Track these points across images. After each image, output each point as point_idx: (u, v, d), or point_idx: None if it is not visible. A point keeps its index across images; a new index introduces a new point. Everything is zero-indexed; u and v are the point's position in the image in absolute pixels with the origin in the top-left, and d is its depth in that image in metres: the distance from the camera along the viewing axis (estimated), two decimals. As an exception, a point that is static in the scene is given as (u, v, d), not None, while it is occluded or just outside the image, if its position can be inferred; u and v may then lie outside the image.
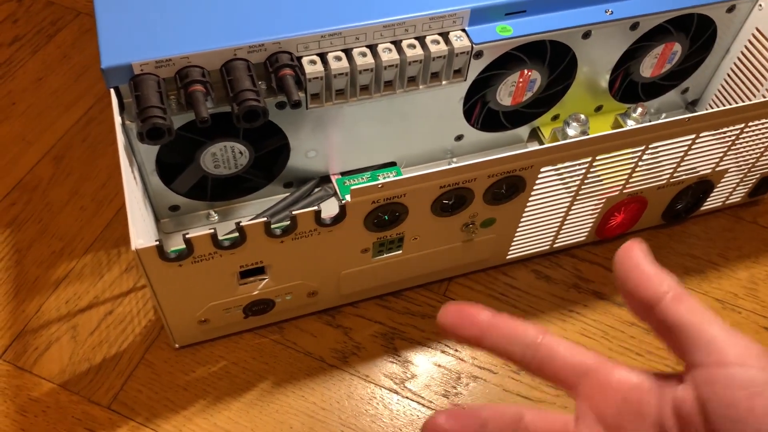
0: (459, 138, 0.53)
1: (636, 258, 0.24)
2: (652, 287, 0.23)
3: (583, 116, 0.53)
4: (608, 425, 0.24)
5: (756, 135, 0.48)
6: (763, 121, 0.46)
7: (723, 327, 0.22)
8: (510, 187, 0.42)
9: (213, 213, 0.51)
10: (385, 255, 0.44)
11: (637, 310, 0.24)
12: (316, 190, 0.52)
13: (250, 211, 0.51)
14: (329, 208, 0.51)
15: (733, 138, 0.46)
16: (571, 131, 0.53)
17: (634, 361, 0.47)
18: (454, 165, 0.39)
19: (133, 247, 0.35)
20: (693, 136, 0.44)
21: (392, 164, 0.54)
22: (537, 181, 0.43)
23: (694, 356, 0.22)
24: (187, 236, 0.36)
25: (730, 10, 0.51)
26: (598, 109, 0.56)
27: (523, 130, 0.55)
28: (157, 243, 0.36)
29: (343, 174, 0.52)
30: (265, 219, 0.37)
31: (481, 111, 0.52)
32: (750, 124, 0.45)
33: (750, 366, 0.22)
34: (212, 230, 0.37)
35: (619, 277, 0.24)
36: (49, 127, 0.57)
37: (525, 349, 0.25)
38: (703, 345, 0.22)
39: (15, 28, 0.64)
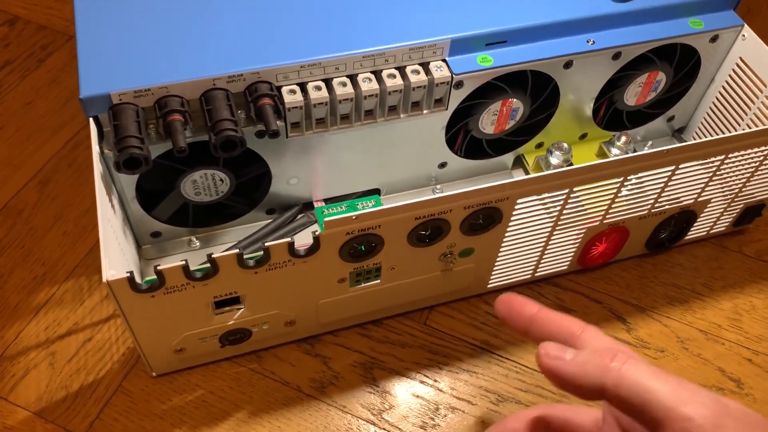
0: (443, 165, 0.53)
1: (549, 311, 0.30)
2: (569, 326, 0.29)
3: (566, 145, 0.53)
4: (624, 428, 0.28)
5: (738, 165, 0.48)
6: (745, 152, 0.46)
7: (669, 385, 0.26)
8: (487, 218, 0.42)
9: (195, 239, 0.51)
10: (362, 285, 0.44)
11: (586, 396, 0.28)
12: (299, 216, 0.52)
13: (232, 237, 0.52)
14: (310, 236, 0.51)
15: (714, 169, 0.46)
16: (554, 160, 0.53)
17: (615, 392, 0.46)
18: (432, 196, 0.39)
19: (104, 279, 0.35)
20: (672, 167, 0.44)
21: (376, 191, 0.54)
22: (514, 212, 0.43)
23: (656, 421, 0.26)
24: (158, 268, 0.36)
25: (714, 39, 0.51)
26: (583, 136, 0.56)
27: (508, 157, 0.55)
28: (128, 275, 0.36)
29: (326, 201, 0.52)
30: (238, 251, 0.37)
31: (464, 139, 0.52)
32: (731, 155, 0.45)
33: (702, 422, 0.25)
34: (183, 262, 0.37)
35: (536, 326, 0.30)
36: (36, 151, 0.57)
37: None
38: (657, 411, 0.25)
39: (6, 52, 0.64)
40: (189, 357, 0.44)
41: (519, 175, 0.56)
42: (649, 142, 0.59)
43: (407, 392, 0.46)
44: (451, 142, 0.51)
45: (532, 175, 0.40)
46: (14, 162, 0.56)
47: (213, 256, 0.37)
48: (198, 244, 0.51)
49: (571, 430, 0.32)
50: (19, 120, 0.59)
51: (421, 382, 0.46)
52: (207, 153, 0.43)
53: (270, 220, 0.52)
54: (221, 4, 0.46)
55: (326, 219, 0.38)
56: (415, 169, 0.53)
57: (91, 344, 0.47)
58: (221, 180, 0.47)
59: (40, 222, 0.53)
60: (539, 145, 0.55)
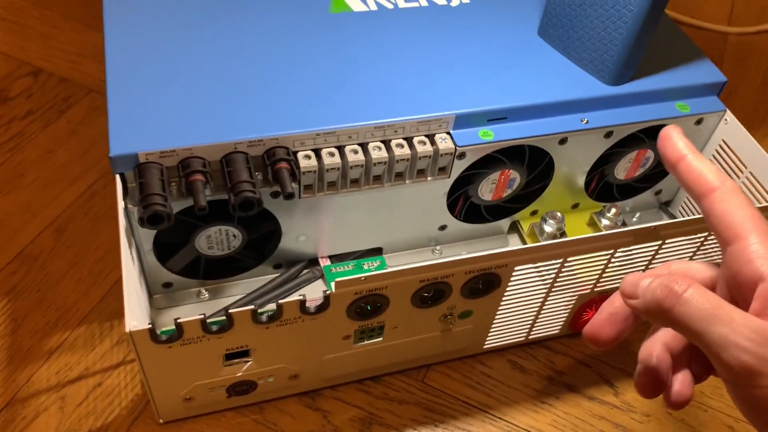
0: (443, 228, 0.56)
1: (693, 161, 0.35)
2: (702, 184, 0.34)
3: (559, 214, 0.56)
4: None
5: (720, 241, 0.51)
6: (726, 229, 0.49)
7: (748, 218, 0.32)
8: (486, 283, 0.45)
9: (204, 291, 0.53)
10: (366, 342, 0.47)
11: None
12: (304, 272, 0.55)
13: (239, 290, 0.54)
14: (316, 291, 0.54)
15: (699, 243, 0.49)
16: (547, 228, 0.56)
17: (603, 454, 0.48)
18: (435, 260, 0.42)
19: (127, 329, 0.37)
20: (660, 242, 0.47)
21: (378, 249, 0.56)
22: (512, 279, 0.45)
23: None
24: (178, 320, 0.39)
25: (698, 122, 0.55)
26: (575, 206, 0.59)
27: (504, 223, 0.58)
28: (150, 326, 0.38)
29: (330, 257, 0.55)
30: (252, 306, 0.40)
31: (463, 204, 0.55)
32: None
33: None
34: (202, 315, 0.39)
35: (676, 173, 0.36)
36: (54, 199, 0.60)
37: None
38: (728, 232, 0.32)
39: (29, 102, 0.67)
40: (196, 405, 0.46)
41: (514, 240, 0.59)
42: (638, 214, 0.62)
43: (404, 448, 0.48)
44: (451, 207, 0.55)
45: (531, 245, 0.43)
46: (32, 209, 0.59)
47: (230, 310, 0.39)
48: (207, 295, 0.53)
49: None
50: (38, 168, 0.62)
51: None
52: (223, 210, 0.46)
53: (277, 275, 0.54)
54: (246, 71, 0.49)
55: (337, 279, 0.40)
56: (417, 231, 0.56)
57: (100, 389, 0.49)
58: (234, 236, 0.50)
59: (55, 268, 0.55)
60: (534, 212, 0.58)
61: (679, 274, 0.35)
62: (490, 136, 0.50)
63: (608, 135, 0.53)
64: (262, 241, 0.52)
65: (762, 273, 0.31)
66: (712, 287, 0.36)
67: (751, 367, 0.29)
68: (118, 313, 0.53)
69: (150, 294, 0.52)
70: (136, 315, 0.40)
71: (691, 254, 0.50)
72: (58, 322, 0.52)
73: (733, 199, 0.34)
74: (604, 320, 0.38)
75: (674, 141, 0.37)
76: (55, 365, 0.50)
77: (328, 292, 0.41)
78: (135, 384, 0.49)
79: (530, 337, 0.53)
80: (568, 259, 0.46)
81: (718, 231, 0.34)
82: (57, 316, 0.52)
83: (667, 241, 0.48)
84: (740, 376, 0.30)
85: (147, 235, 0.48)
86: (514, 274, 0.45)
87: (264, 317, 0.41)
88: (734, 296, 0.34)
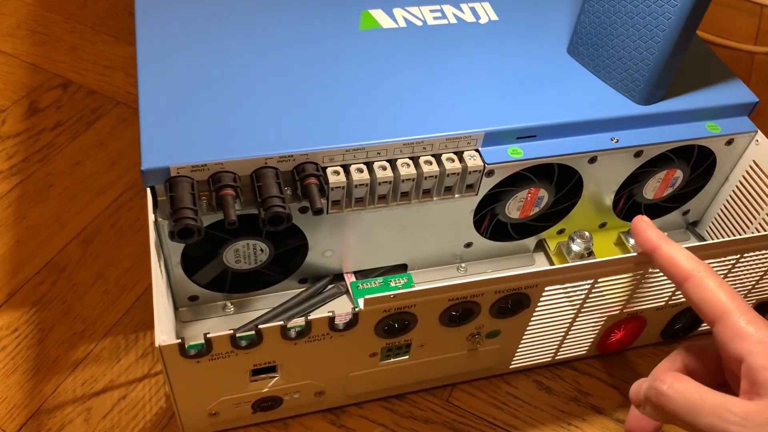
0: (468, 245, 0.56)
1: (665, 250, 0.40)
2: (678, 272, 0.39)
3: (587, 233, 0.56)
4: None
5: (752, 264, 0.51)
6: (759, 252, 0.49)
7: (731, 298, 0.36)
8: (515, 303, 0.45)
9: (229, 304, 0.53)
10: (392, 359, 0.46)
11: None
12: (330, 287, 0.55)
13: (264, 304, 0.54)
14: (340, 306, 0.53)
15: (730, 267, 0.49)
16: (575, 247, 0.55)
17: (631, 479, 0.47)
18: (464, 278, 0.41)
19: (156, 344, 0.37)
20: (691, 263, 0.47)
21: (403, 266, 0.56)
22: (541, 299, 0.45)
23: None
24: (207, 336, 0.39)
25: (729, 143, 0.54)
26: (603, 225, 0.58)
27: (530, 241, 0.58)
28: (180, 341, 0.38)
29: (355, 273, 0.55)
30: (282, 323, 0.40)
31: (490, 222, 0.54)
32: (745, 255, 0.48)
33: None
34: (231, 331, 0.39)
35: (653, 262, 0.41)
36: (81, 210, 0.60)
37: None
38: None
39: (58, 114, 0.68)
40: (221, 421, 0.46)
41: (540, 258, 0.59)
42: (665, 234, 0.62)
43: (428, 467, 0.47)
44: (477, 224, 0.54)
45: (561, 265, 0.43)
46: (60, 220, 0.59)
47: (259, 326, 0.39)
48: (232, 309, 0.53)
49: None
50: (67, 179, 0.62)
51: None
52: (252, 225, 0.46)
53: (302, 289, 0.54)
54: (276, 87, 0.49)
55: (366, 296, 0.40)
56: (442, 248, 0.56)
57: (125, 402, 0.48)
58: (261, 250, 0.50)
59: (82, 279, 0.55)
60: (561, 231, 0.58)
61: (662, 370, 0.38)
62: (519, 154, 0.49)
63: (638, 154, 0.52)
64: (288, 255, 0.52)
65: (741, 352, 0.34)
66: (711, 366, 0.39)
67: None
68: (144, 325, 0.53)
69: (176, 307, 0.52)
70: (165, 329, 0.40)
71: (723, 276, 0.49)
72: (84, 334, 0.52)
73: (710, 282, 0.37)
74: (638, 417, 0.40)
75: (647, 233, 0.42)
76: (81, 377, 0.50)
77: (357, 309, 0.41)
78: (159, 397, 0.49)
79: (557, 357, 0.52)
80: (599, 280, 0.45)
81: (702, 313, 0.37)
82: (83, 327, 0.52)
83: (698, 263, 0.47)
84: None
85: (175, 249, 0.48)
86: (543, 294, 0.45)
87: (293, 333, 0.41)
88: (732, 371, 0.36)
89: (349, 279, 0.54)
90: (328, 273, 0.55)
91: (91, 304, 0.54)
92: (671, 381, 0.34)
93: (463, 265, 0.58)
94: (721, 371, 0.39)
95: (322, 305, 0.54)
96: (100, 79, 0.72)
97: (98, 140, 0.66)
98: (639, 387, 0.37)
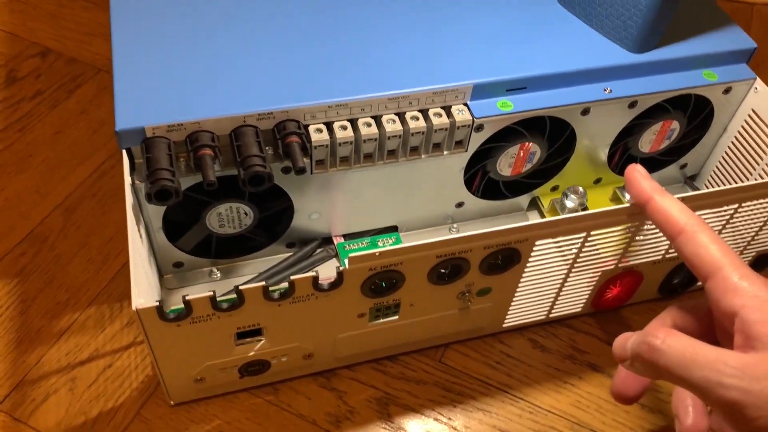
0: (460, 205, 0.55)
1: (659, 202, 0.39)
2: (673, 226, 0.38)
3: (581, 189, 0.54)
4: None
5: (751, 214, 0.49)
6: (758, 201, 0.47)
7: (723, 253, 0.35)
8: (506, 259, 0.43)
9: (216, 270, 0.52)
10: (381, 320, 0.45)
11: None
12: (318, 251, 0.53)
13: (252, 270, 0.52)
14: (330, 270, 0.52)
15: (728, 217, 0.47)
16: (569, 203, 0.54)
17: (628, 436, 0.47)
18: (452, 235, 0.40)
19: (133, 307, 0.36)
20: (687, 214, 0.45)
21: (393, 228, 0.55)
22: (532, 254, 0.44)
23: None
24: (186, 298, 0.37)
25: (727, 91, 0.53)
26: (597, 181, 0.57)
27: (523, 199, 0.56)
28: (157, 303, 0.37)
29: (345, 236, 0.54)
30: (263, 283, 0.38)
31: (481, 180, 0.53)
32: (744, 204, 0.46)
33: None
34: (211, 292, 0.38)
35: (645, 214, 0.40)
36: (63, 180, 0.59)
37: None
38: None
39: (38, 82, 0.66)
40: (208, 387, 0.45)
41: (534, 217, 0.57)
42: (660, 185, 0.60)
43: (421, 429, 0.46)
44: (468, 183, 0.53)
45: (552, 218, 0.41)
46: (41, 190, 0.58)
47: (240, 287, 0.38)
48: (219, 275, 0.52)
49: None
50: (47, 149, 0.61)
51: (436, 419, 0.47)
52: (234, 187, 0.45)
53: (290, 254, 0.53)
54: (254, 45, 0.48)
55: (350, 255, 0.39)
56: (433, 208, 0.54)
57: (111, 371, 0.48)
58: (245, 213, 0.48)
59: (65, 249, 0.54)
60: (554, 188, 0.56)
61: (654, 327, 0.37)
62: (509, 107, 0.48)
63: (632, 105, 0.51)
64: (274, 219, 0.50)
65: (735, 307, 0.33)
66: (703, 324, 0.38)
67: (738, 401, 0.30)
68: (129, 294, 0.51)
69: (161, 274, 0.51)
70: (143, 293, 0.38)
71: (720, 228, 0.48)
72: (68, 303, 0.51)
73: (703, 236, 0.36)
74: (625, 377, 0.39)
75: (640, 183, 0.40)
76: (65, 346, 0.49)
77: (341, 268, 0.40)
78: (145, 365, 0.48)
79: (551, 315, 0.51)
80: (591, 233, 0.44)
81: (694, 268, 0.36)
82: (67, 296, 0.51)
83: (695, 214, 0.46)
84: (731, 412, 0.31)
85: (156, 213, 0.46)
86: (534, 249, 0.43)
87: (276, 294, 0.39)
88: (723, 327, 0.35)
89: (338, 242, 0.53)
90: (316, 236, 0.53)
91: (75, 274, 0.53)
92: (664, 336, 0.33)
93: (455, 225, 0.56)
94: (712, 330, 0.38)
95: (312, 269, 0.53)
96: (80, 47, 0.70)
97: (79, 108, 0.64)
98: (624, 342, 0.36)
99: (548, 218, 0.41)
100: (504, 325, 0.51)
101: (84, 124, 0.63)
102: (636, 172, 0.41)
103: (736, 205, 0.46)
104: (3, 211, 0.56)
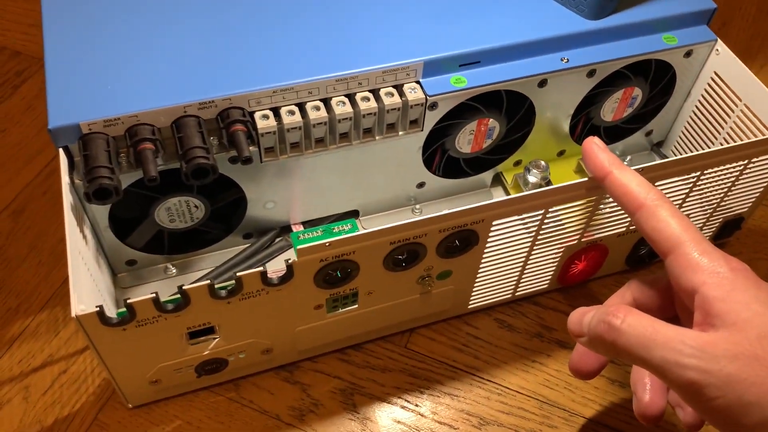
0: (421, 185, 0.53)
1: (618, 176, 0.38)
2: (631, 200, 0.37)
3: (543, 163, 0.53)
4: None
5: (716, 180, 0.48)
6: (722, 167, 0.46)
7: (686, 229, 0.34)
8: (463, 241, 0.42)
9: (171, 266, 0.50)
10: (340, 310, 0.44)
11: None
12: (277, 240, 0.52)
13: (209, 263, 0.51)
14: (279, 264, 0.51)
15: (691, 185, 0.46)
16: (532, 178, 0.52)
17: (597, 413, 0.46)
18: (405, 220, 0.39)
19: (73, 314, 0.35)
20: (649, 184, 0.44)
21: (355, 212, 0.53)
22: (490, 234, 0.42)
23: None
24: (128, 301, 0.36)
25: (688, 54, 0.51)
26: (561, 153, 0.56)
27: (486, 176, 0.55)
28: (98, 309, 0.35)
29: (304, 224, 0.52)
30: (209, 281, 0.37)
31: (441, 159, 0.51)
32: (707, 171, 0.45)
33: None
34: (153, 294, 0.36)
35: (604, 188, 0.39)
36: (10, 180, 0.57)
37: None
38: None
39: (-20, 79, 0.64)
40: (165, 388, 0.44)
41: (498, 193, 0.56)
42: (629, 157, 0.59)
43: (388, 418, 0.45)
44: (428, 162, 0.51)
45: (506, 197, 0.40)
46: (-12, 192, 0.56)
47: (184, 287, 0.37)
48: (174, 271, 0.50)
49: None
50: (-8, 148, 0.59)
51: (403, 407, 0.46)
52: (180, 180, 0.43)
53: (247, 245, 0.51)
54: (188, 30, 0.45)
55: (299, 246, 0.37)
56: (394, 190, 0.53)
57: (66, 376, 0.46)
58: (196, 206, 0.47)
59: (14, 252, 0.52)
60: (517, 163, 0.55)
61: (613, 304, 0.36)
62: (463, 82, 0.46)
63: (591, 74, 0.49)
64: (226, 210, 0.49)
65: (694, 283, 0.32)
66: (662, 299, 0.37)
67: (696, 381, 0.29)
68: (82, 296, 0.50)
69: (114, 273, 0.49)
70: (84, 298, 0.37)
71: (684, 194, 0.47)
72: (19, 309, 0.49)
73: (663, 211, 0.35)
74: (582, 352, 0.38)
75: (597, 157, 0.39)
76: (18, 353, 0.47)
77: (290, 261, 0.38)
78: (102, 369, 0.46)
79: (517, 293, 0.50)
80: (551, 210, 0.43)
81: (654, 244, 0.35)
82: (18, 302, 0.50)
83: (657, 183, 0.44)
84: (690, 392, 0.30)
85: (102, 212, 0.45)
86: (492, 229, 0.42)
87: (223, 292, 0.38)
88: (683, 304, 0.35)
89: (296, 230, 0.51)
90: (274, 226, 0.52)
91: (26, 278, 0.51)
92: (624, 315, 0.32)
93: (418, 206, 0.55)
94: (672, 305, 0.37)
95: (270, 259, 0.51)
96: (24, 39, 0.68)
97: (25, 104, 0.62)
98: (580, 318, 0.35)
99: (502, 197, 0.40)
100: (469, 307, 0.50)
101: (30, 121, 0.61)
102: (593, 144, 0.39)
103: (698, 173, 0.45)
104: (-52, 216, 0.54)
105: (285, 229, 0.52)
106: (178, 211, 0.46)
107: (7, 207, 0.55)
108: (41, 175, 0.57)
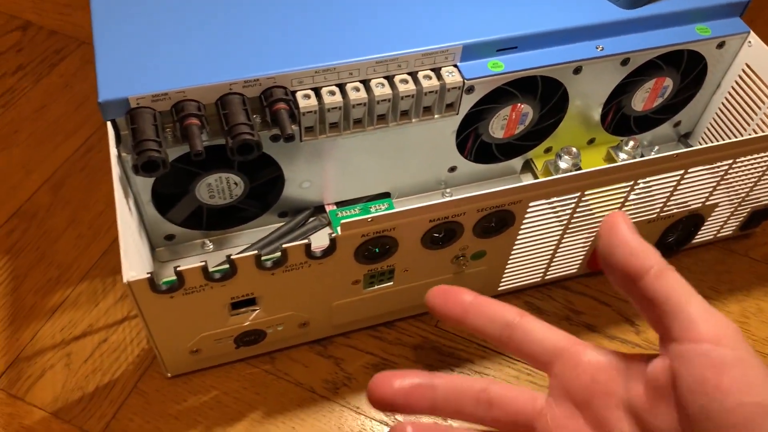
0: (452, 169, 0.54)
1: (622, 231, 0.24)
2: (637, 262, 0.24)
3: (574, 149, 0.53)
4: (577, 403, 0.25)
5: (745, 170, 0.49)
6: (752, 156, 0.47)
7: (702, 305, 0.23)
8: (499, 221, 0.43)
9: (208, 242, 0.51)
10: (376, 286, 0.45)
11: (620, 283, 0.25)
12: (311, 219, 0.53)
13: (244, 240, 0.52)
14: (323, 238, 0.52)
15: (722, 173, 0.47)
16: (562, 164, 0.53)
17: (625, 394, 0.47)
18: (445, 198, 0.40)
19: (124, 280, 0.36)
20: (681, 171, 0.45)
21: (386, 195, 0.54)
22: (526, 216, 0.43)
23: (672, 331, 0.23)
24: (178, 269, 0.37)
25: (720, 46, 0.52)
26: (591, 141, 0.56)
27: (516, 162, 0.56)
28: (149, 275, 0.36)
29: (337, 204, 0.53)
30: (256, 252, 0.38)
31: (473, 143, 0.52)
32: (738, 159, 0.46)
33: (723, 345, 0.22)
34: (203, 263, 0.37)
35: (604, 249, 0.25)
36: (49, 155, 0.58)
37: (503, 329, 0.27)
38: (680, 320, 0.23)
39: (19, 57, 0.65)
40: (204, 358, 0.45)
41: (527, 179, 0.57)
42: (656, 147, 0.60)
43: (419, 393, 0.46)
44: (461, 147, 0.52)
45: (545, 178, 0.41)
46: (28, 166, 0.57)
47: (232, 257, 0.38)
48: (211, 246, 0.51)
49: (508, 407, 0.27)
50: (32, 124, 0.60)
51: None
52: (222, 157, 0.44)
53: (282, 224, 0.52)
54: (235, 9, 0.46)
55: (342, 221, 0.38)
56: (425, 173, 0.54)
57: (106, 345, 0.47)
58: (235, 183, 0.48)
59: (54, 225, 0.54)
60: (548, 150, 0.55)
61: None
62: (500, 67, 0.47)
63: (625, 62, 0.50)
64: (264, 188, 0.50)
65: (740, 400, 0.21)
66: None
67: None
68: (121, 268, 0.51)
69: (152, 247, 0.51)
70: (134, 265, 0.38)
71: (713, 186, 0.48)
72: (60, 279, 0.51)
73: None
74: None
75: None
76: (59, 322, 0.48)
77: (334, 235, 0.39)
78: (141, 339, 0.48)
79: (547, 277, 0.51)
80: (586, 193, 0.43)
81: (662, 312, 0.23)
82: (58, 273, 0.51)
83: (689, 172, 0.45)
84: None
85: (145, 186, 0.46)
86: (528, 210, 0.43)
87: (269, 263, 0.39)
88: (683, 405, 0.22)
89: (330, 210, 0.52)
90: (308, 206, 0.53)
91: (65, 250, 0.52)
92: None
93: (448, 190, 0.56)
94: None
95: (304, 238, 0.52)
96: (61, 19, 0.69)
97: (63, 82, 0.63)
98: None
99: (542, 179, 0.41)
100: (499, 289, 0.51)
101: (68, 99, 0.62)
102: (624, 225, 0.25)
103: (730, 161, 0.46)
104: (-10, 189, 0.56)
105: (318, 209, 0.53)
106: (218, 188, 0.47)
107: (47, 181, 0.56)
108: (79, 151, 0.58)
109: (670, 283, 0.23)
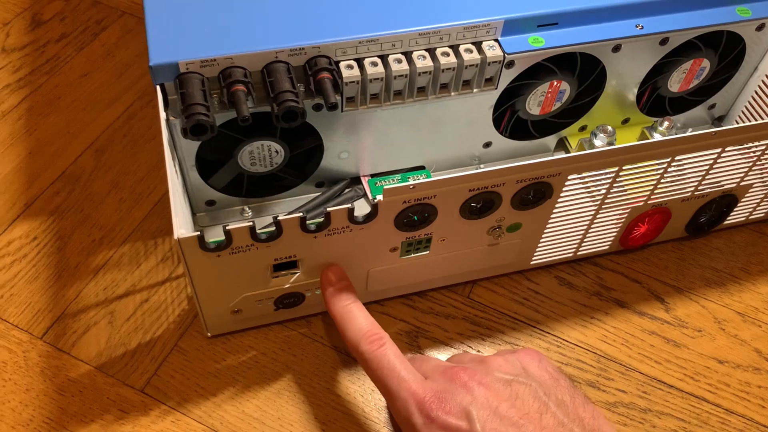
0: (487, 145, 0.55)
1: None
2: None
3: (610, 128, 0.54)
4: None
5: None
6: (790, 138, 0.47)
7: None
8: (537, 193, 0.44)
9: (247, 209, 0.52)
10: (412, 255, 0.46)
11: None
12: (347, 190, 0.54)
13: (282, 209, 0.53)
14: (359, 209, 0.53)
15: (759, 153, 0.47)
16: (598, 142, 0.54)
17: (653, 369, 0.48)
18: (485, 169, 0.40)
19: (175, 236, 0.37)
20: (719, 150, 0.45)
21: (421, 168, 0.55)
22: (564, 189, 0.44)
23: None
24: (227, 228, 0.38)
25: (760, 28, 0.52)
26: (626, 121, 0.57)
27: (551, 140, 0.56)
28: (199, 233, 0.38)
29: (372, 176, 0.54)
30: (302, 214, 0.39)
31: (510, 119, 0.53)
32: (776, 140, 0.46)
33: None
34: (251, 222, 0.38)
35: None
36: (92, 121, 0.59)
37: None
38: None
39: (62, 25, 0.66)
40: (244, 319, 0.46)
41: (561, 158, 0.57)
42: (689, 130, 0.60)
43: (451, 361, 0.47)
44: (497, 122, 0.53)
45: (585, 151, 0.41)
46: (72, 130, 0.59)
47: (278, 218, 0.39)
48: (250, 213, 0.53)
49: None
50: (75, 91, 0.61)
51: (465, 352, 0.48)
52: (265, 124, 0.45)
53: (319, 193, 0.53)
54: (283, -20, 0.47)
55: (386, 187, 0.39)
56: (461, 148, 0.54)
57: (147, 305, 0.49)
58: (276, 152, 0.49)
59: (97, 188, 0.55)
60: (582, 128, 0.56)
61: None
62: (540, 42, 0.47)
63: (663, 42, 0.50)
64: (304, 157, 0.51)
65: None
66: None
67: None
68: (162, 231, 0.53)
69: (193, 212, 0.52)
70: (183, 224, 0.39)
71: (749, 166, 0.48)
72: (103, 241, 0.52)
73: None
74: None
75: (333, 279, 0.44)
76: (102, 282, 0.50)
77: (376, 200, 0.40)
78: (181, 300, 0.49)
79: (579, 253, 0.52)
80: (623, 168, 0.44)
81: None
82: (101, 234, 0.52)
83: (726, 150, 0.46)
84: None
85: (189, 150, 0.47)
86: (566, 183, 0.44)
87: (313, 226, 0.40)
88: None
89: (366, 182, 0.53)
90: (344, 176, 0.54)
91: (108, 212, 0.54)
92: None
93: (482, 166, 0.57)
94: None
95: (340, 208, 0.53)
96: (102, -10, 0.70)
97: (105, 51, 0.65)
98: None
99: (581, 152, 0.41)
100: (531, 263, 0.51)
101: (110, 67, 0.63)
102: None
103: (767, 141, 0.46)
104: (35, 152, 0.57)
105: (354, 181, 0.54)
106: (259, 155, 0.49)
107: (90, 146, 0.58)
108: (121, 118, 0.60)
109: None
